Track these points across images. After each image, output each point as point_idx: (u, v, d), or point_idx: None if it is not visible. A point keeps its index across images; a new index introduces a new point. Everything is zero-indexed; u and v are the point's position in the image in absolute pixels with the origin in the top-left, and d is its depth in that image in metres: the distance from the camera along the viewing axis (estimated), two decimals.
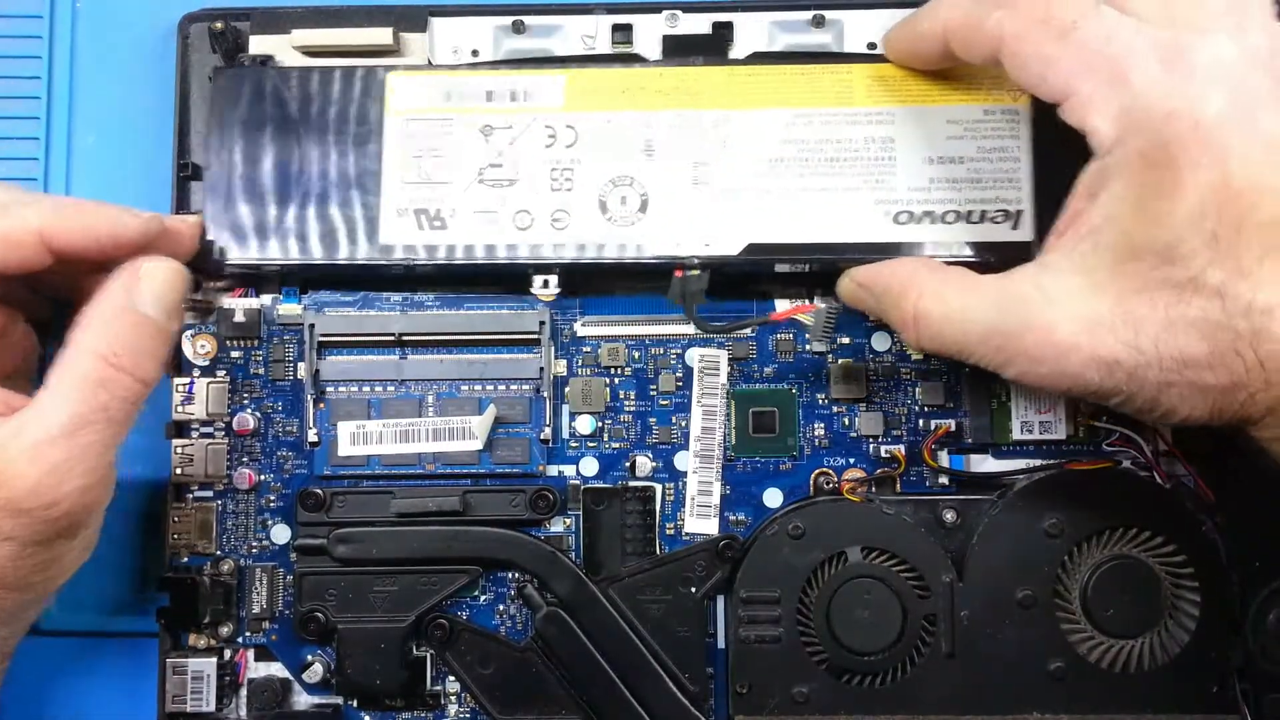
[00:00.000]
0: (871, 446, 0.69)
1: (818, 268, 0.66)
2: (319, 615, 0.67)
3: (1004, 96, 0.65)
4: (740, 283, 0.68)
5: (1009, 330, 0.54)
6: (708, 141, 0.65)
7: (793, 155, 0.65)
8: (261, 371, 0.70)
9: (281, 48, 0.71)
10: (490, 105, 0.66)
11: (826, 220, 0.65)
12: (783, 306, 0.68)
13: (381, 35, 0.70)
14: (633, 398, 0.69)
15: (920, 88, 0.66)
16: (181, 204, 0.71)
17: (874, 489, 0.68)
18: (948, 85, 0.65)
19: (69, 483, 0.53)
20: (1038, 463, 0.68)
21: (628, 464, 0.69)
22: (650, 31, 0.70)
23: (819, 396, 0.69)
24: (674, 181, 0.65)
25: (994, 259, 0.64)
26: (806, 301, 0.68)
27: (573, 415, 0.69)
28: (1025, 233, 0.64)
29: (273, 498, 0.69)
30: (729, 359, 0.69)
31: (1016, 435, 0.68)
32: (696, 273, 0.64)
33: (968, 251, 0.64)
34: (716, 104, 0.66)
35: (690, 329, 0.69)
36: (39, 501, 0.53)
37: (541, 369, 0.68)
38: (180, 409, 0.69)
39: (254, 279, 0.69)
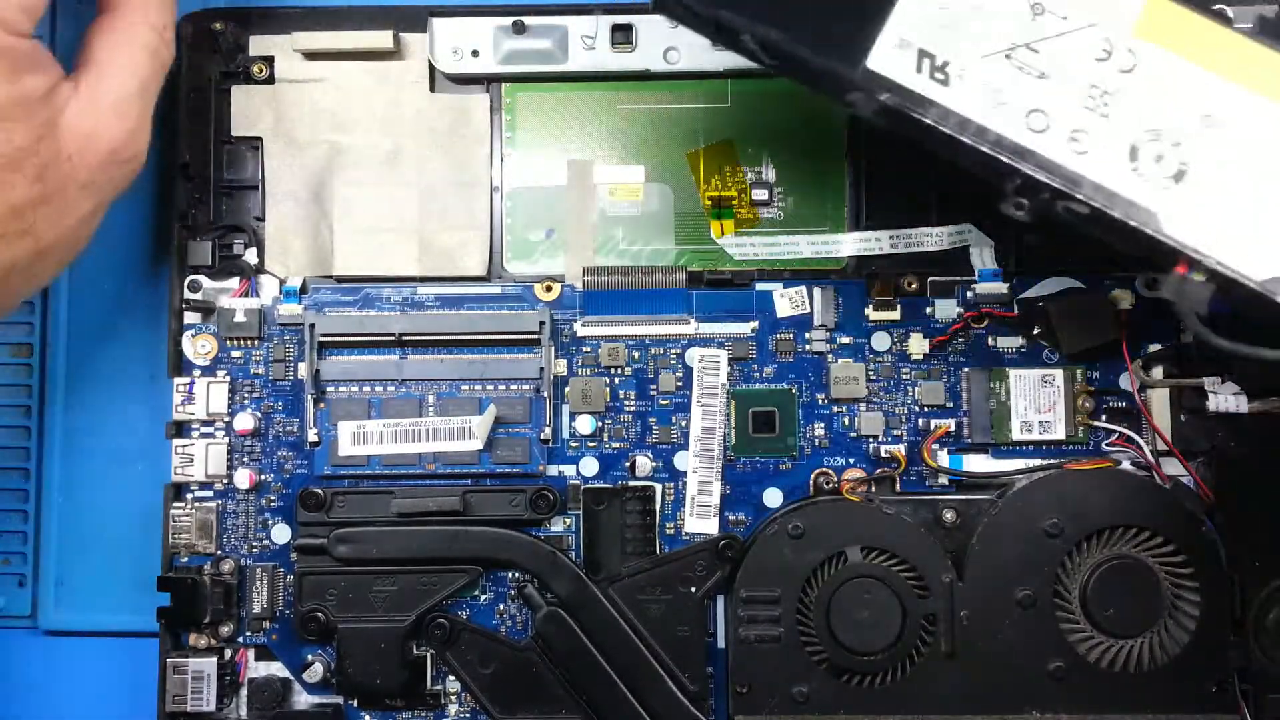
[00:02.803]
0: (871, 446, 0.69)
1: None
2: (319, 615, 0.67)
3: None
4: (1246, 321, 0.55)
5: None
6: None
7: None
8: (261, 371, 0.70)
9: (282, 49, 0.72)
10: None
11: None
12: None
13: (381, 39, 0.71)
14: (633, 398, 0.69)
15: None
16: (182, 203, 0.71)
17: (874, 489, 0.68)
18: None
19: (142, 137, 0.60)
20: (1037, 463, 0.68)
21: (628, 464, 0.69)
22: (651, 32, 0.71)
23: (819, 396, 0.69)
24: (1228, 167, 0.52)
25: None
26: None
27: (573, 415, 0.69)
28: None
29: (273, 497, 0.69)
30: (729, 359, 0.69)
31: (1016, 435, 0.68)
32: (1200, 279, 0.52)
33: None
34: None
35: (690, 328, 0.69)
36: (130, 152, 0.59)
37: (541, 369, 0.68)
38: (180, 409, 0.69)
39: None
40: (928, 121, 0.53)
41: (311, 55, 0.72)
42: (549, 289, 0.70)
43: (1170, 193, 0.52)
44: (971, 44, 0.54)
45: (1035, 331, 0.69)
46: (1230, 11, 0.60)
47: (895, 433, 0.69)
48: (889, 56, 0.53)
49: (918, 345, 0.69)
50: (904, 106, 0.53)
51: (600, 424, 0.69)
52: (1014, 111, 0.53)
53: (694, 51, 0.71)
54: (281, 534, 0.69)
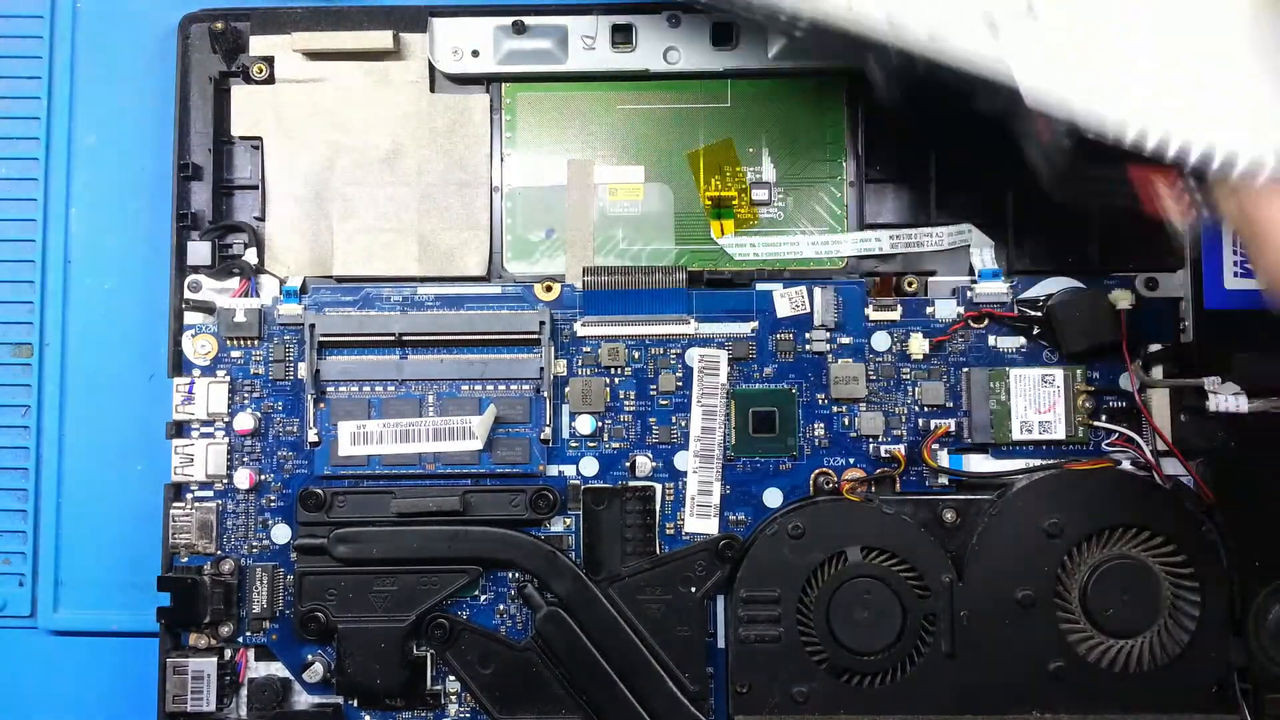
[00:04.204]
0: (871, 446, 0.69)
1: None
2: (319, 615, 0.67)
3: None
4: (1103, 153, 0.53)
5: None
6: None
7: None
8: (261, 371, 0.70)
9: (282, 49, 0.72)
10: None
11: (1222, 121, 0.49)
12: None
13: (381, 39, 0.71)
14: (633, 398, 0.69)
15: None
16: (182, 204, 0.71)
17: (874, 489, 0.68)
18: None
19: None
20: (1037, 463, 0.68)
21: (628, 464, 0.69)
22: (651, 32, 0.71)
23: (819, 396, 0.69)
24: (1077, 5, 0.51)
25: None
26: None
27: (573, 415, 0.69)
28: None
29: (273, 497, 0.69)
30: (729, 359, 0.69)
31: (1016, 435, 0.68)
32: (1060, 127, 0.51)
33: None
34: None
35: (690, 328, 0.69)
36: None
37: (541, 369, 0.68)
38: (180, 409, 0.69)
39: None
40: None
41: (311, 55, 0.72)
42: (549, 289, 0.70)
43: (1020, 34, 0.51)
44: None
45: (1035, 331, 0.69)
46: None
47: (895, 433, 0.69)
48: None
49: (918, 345, 0.69)
50: None
51: (600, 424, 0.69)
52: None
53: (694, 51, 0.71)
54: (281, 534, 0.69)
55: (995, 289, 0.69)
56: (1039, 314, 0.68)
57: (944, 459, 0.69)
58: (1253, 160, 0.48)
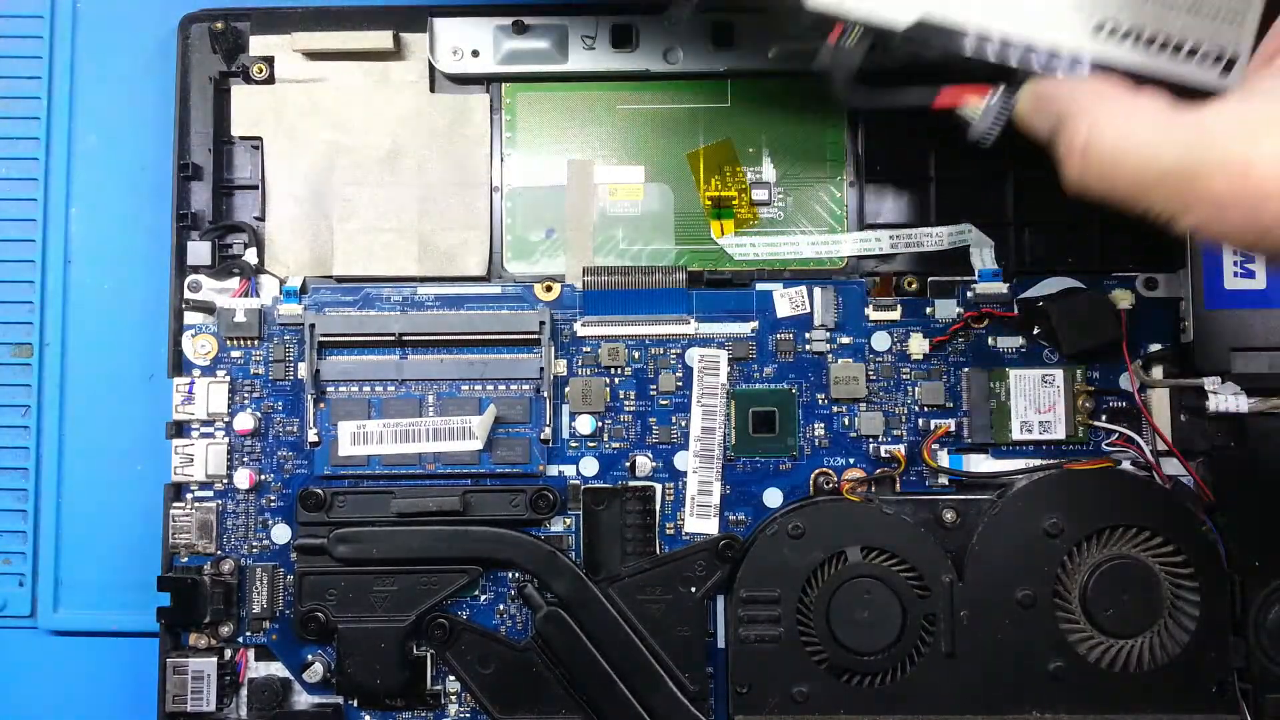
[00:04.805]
0: (871, 446, 0.69)
1: (993, 66, 0.54)
2: (319, 615, 0.67)
3: None
4: (900, 71, 0.56)
5: (1195, 170, 0.44)
6: None
7: None
8: (261, 371, 0.70)
9: (282, 49, 0.72)
10: None
11: (1018, 12, 0.53)
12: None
13: (381, 39, 0.71)
14: (633, 398, 0.69)
15: None
16: (182, 203, 0.71)
17: (874, 489, 0.68)
18: None
19: None
20: (1037, 463, 0.68)
21: (628, 464, 0.69)
22: (651, 32, 0.71)
23: (819, 396, 0.69)
24: None
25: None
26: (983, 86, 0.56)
27: (573, 415, 0.69)
28: (1234, 82, 0.53)
29: (273, 497, 0.69)
30: (729, 359, 0.69)
31: (1016, 435, 0.68)
32: (856, 36, 0.53)
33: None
34: None
35: (690, 328, 0.69)
36: None
37: (541, 369, 0.68)
38: (180, 409, 0.69)
39: None
40: None
41: (311, 55, 0.72)
42: (549, 289, 0.70)
43: None
44: None
45: (1035, 331, 0.69)
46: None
47: (895, 433, 0.69)
48: None
49: (918, 345, 0.69)
50: None
51: (600, 424, 0.69)
52: None
53: (694, 52, 0.71)
54: (281, 534, 0.69)
55: (995, 289, 0.69)
56: (1039, 314, 0.68)
57: (944, 459, 0.69)
58: (1073, 53, 0.52)
